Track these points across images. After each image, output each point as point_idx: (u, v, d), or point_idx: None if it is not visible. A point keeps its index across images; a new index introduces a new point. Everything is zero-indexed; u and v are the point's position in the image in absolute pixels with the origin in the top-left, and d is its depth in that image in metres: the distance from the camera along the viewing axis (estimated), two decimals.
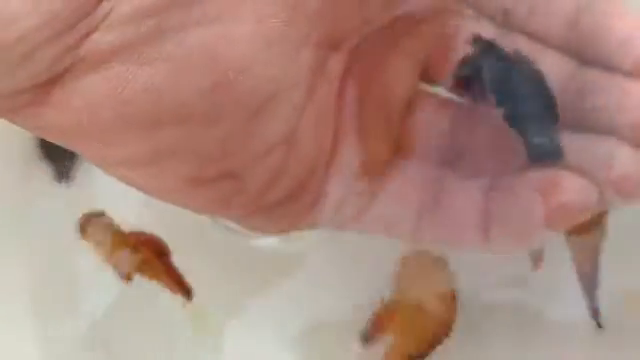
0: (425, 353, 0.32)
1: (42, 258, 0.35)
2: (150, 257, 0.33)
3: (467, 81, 0.28)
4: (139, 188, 0.24)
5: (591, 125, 0.27)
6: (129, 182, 0.24)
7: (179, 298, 0.33)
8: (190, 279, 0.33)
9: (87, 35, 0.19)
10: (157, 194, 0.24)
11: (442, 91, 0.29)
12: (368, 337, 0.32)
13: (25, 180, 0.36)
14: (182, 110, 0.21)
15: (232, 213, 0.26)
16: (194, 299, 0.33)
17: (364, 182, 0.28)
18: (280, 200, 0.26)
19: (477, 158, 0.29)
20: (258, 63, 0.21)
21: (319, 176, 0.26)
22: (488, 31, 0.28)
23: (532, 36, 0.28)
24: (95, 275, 0.34)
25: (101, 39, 0.20)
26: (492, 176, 0.28)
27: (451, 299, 0.32)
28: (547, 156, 0.27)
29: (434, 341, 0.32)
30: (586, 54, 0.28)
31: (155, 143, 0.22)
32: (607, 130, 0.27)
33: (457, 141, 0.29)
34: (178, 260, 0.33)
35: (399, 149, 0.29)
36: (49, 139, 0.22)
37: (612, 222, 0.31)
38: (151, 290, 0.33)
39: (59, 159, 0.36)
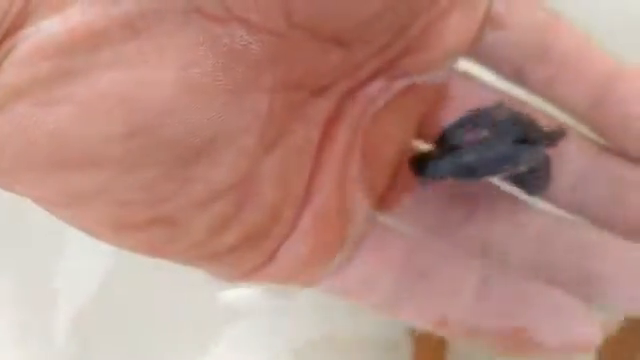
0: None
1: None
2: None
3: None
4: (69, 225, 0.23)
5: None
6: (59, 219, 0.22)
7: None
8: None
9: None
10: (88, 234, 0.23)
11: None
12: None
13: None
14: (94, 155, 0.20)
15: (172, 258, 0.24)
16: None
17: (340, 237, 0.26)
18: (232, 247, 0.24)
19: (479, 232, 0.27)
20: (185, 109, 0.20)
21: (284, 224, 0.24)
22: (491, 97, 0.27)
23: (551, 102, 0.27)
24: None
25: (3, 78, 0.18)
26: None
27: None
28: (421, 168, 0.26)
29: None
30: (607, 136, 0.26)
31: (66, 186, 0.20)
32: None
33: (457, 209, 0.27)
34: None
35: (384, 207, 0.27)
36: None
37: None
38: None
39: None
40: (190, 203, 0.22)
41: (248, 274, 0.25)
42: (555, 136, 0.26)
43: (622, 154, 0.26)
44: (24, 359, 0.34)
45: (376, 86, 0.25)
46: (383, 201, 0.27)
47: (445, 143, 0.26)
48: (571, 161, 0.27)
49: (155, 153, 0.20)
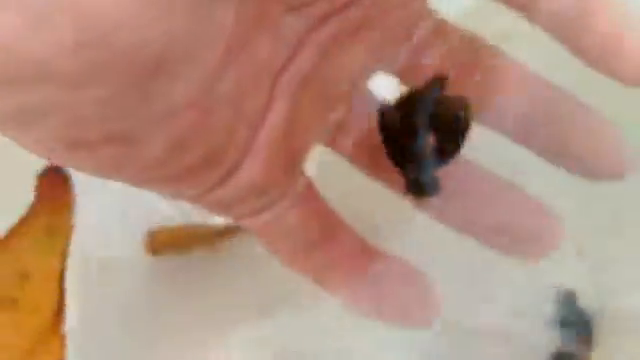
0: None
1: None
2: None
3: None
4: (24, 148, 0.22)
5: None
6: (15, 141, 0.22)
7: None
8: None
9: None
10: (41, 155, 0.22)
11: None
12: None
13: None
14: (44, 69, 0.19)
15: (130, 179, 0.24)
16: None
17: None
18: (189, 168, 0.23)
19: None
20: (139, 19, 0.19)
21: (238, 145, 0.24)
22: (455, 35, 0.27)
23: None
24: None
25: None
26: None
27: None
28: (424, 192, 0.26)
29: None
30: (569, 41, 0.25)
31: (16, 101, 0.20)
32: None
33: None
34: None
35: (335, 145, 0.27)
36: None
37: None
38: None
39: None
40: (147, 120, 0.21)
41: (202, 195, 0.25)
42: (437, 82, 0.26)
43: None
44: None
45: (352, 15, 0.24)
46: (334, 139, 0.27)
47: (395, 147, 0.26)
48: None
49: (108, 67, 0.19)
